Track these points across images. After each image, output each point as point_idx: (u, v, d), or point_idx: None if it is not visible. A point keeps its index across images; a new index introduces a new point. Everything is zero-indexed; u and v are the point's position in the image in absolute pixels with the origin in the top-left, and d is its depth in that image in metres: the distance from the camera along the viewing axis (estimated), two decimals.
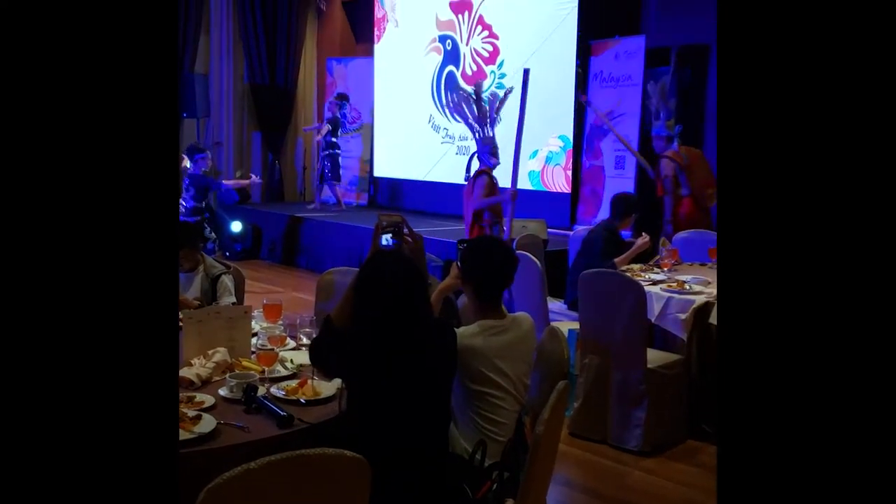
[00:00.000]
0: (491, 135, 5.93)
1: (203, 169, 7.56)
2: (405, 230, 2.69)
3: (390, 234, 2.65)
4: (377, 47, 10.37)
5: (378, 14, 10.30)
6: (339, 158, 9.75)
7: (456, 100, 6.24)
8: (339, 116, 9.76)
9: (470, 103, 6.02)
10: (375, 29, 10.38)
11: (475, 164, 5.88)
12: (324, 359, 2.36)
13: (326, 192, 10.02)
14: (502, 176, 5.86)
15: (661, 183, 6.21)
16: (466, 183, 5.87)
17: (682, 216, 6.11)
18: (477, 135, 5.95)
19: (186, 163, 7.58)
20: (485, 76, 8.82)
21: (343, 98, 9.94)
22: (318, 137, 9.71)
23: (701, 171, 6.23)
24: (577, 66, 7.82)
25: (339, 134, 9.74)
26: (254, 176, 8.77)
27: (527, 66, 5.88)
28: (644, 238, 4.93)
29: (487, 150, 5.82)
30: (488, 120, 5.96)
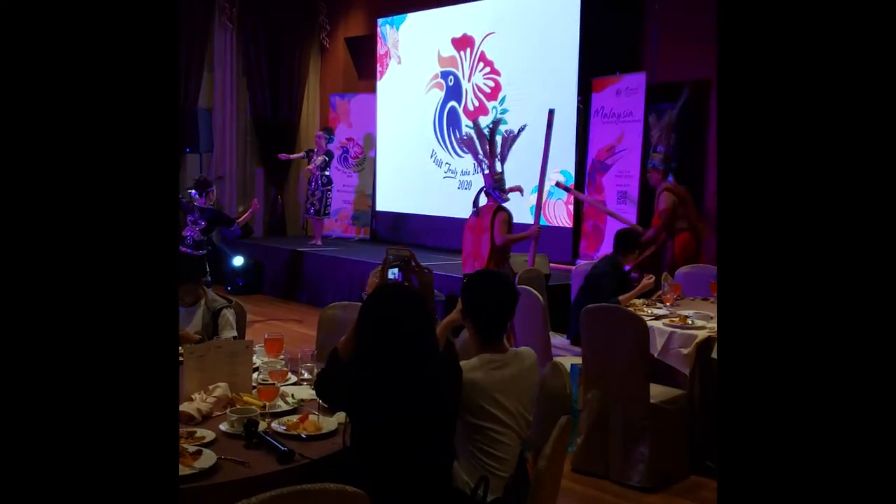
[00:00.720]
0: (500, 171, 5.89)
1: (211, 201, 7.62)
2: (413, 265, 2.69)
3: (397, 269, 2.65)
4: (380, 83, 10.46)
5: (381, 50, 10.41)
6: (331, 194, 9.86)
7: (467, 134, 6.23)
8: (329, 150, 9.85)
9: (483, 139, 6.00)
10: (378, 65, 10.48)
11: (482, 199, 5.85)
12: (329, 390, 2.36)
13: (326, 227, 10.02)
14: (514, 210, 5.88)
15: (659, 215, 6.25)
16: (473, 217, 5.83)
17: (678, 249, 6.17)
18: (486, 171, 5.92)
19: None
20: (487, 112, 8.88)
21: (330, 131, 10.05)
22: (312, 167, 9.70)
23: (692, 206, 6.33)
24: (579, 101, 7.88)
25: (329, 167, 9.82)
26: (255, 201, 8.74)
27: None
28: (649, 278, 4.93)
29: (497, 187, 5.80)
30: (498, 157, 5.94)
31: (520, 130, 6.03)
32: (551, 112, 6.14)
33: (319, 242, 9.77)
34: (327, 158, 9.68)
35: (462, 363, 2.50)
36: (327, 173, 9.71)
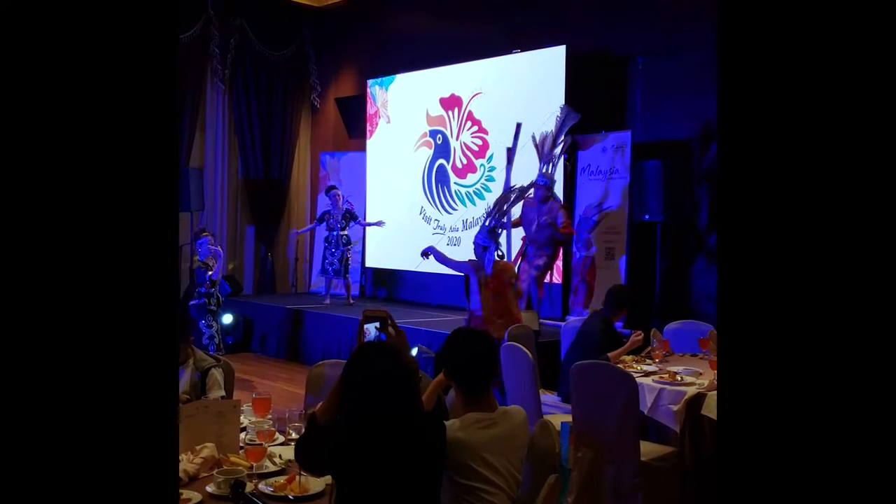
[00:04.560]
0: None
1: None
2: (389, 326, 2.68)
3: (374, 327, 2.64)
4: (369, 142, 10.58)
5: (370, 110, 10.55)
6: None
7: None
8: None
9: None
10: (368, 124, 10.61)
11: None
12: (309, 457, 2.34)
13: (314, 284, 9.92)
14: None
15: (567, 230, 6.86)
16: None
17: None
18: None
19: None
20: (475, 169, 8.99)
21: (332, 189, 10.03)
22: (332, 221, 9.51)
23: None
24: (565, 159, 7.98)
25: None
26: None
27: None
28: (637, 334, 4.95)
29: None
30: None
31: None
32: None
33: (352, 301, 9.58)
34: (350, 216, 9.60)
35: (448, 423, 2.49)
36: (346, 233, 9.55)
